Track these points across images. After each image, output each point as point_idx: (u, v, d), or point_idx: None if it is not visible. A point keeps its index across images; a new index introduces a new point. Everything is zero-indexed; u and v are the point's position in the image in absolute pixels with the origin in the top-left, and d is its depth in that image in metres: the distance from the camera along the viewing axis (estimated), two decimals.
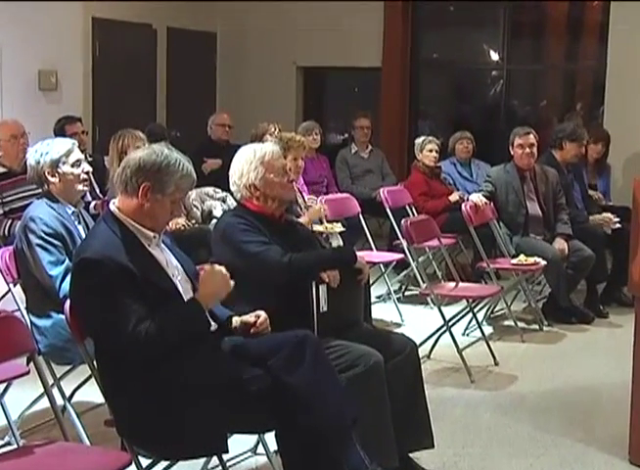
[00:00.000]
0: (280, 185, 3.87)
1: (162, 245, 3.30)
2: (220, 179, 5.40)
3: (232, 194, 3.99)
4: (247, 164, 3.86)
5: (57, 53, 8.85)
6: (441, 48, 10.94)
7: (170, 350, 3.04)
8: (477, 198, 6.54)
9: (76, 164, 4.23)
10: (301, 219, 5.45)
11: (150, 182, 3.14)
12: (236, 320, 3.39)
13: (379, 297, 7.07)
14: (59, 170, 4.17)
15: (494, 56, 10.66)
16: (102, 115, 9.16)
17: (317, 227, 5.73)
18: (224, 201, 6.43)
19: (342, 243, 5.81)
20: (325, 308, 3.57)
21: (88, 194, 5.51)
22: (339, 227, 5.81)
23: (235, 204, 4.09)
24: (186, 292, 3.25)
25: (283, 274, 3.63)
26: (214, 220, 5.92)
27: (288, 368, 3.11)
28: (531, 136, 6.64)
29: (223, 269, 3.20)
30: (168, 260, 3.27)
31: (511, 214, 6.64)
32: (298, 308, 3.58)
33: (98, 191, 6.52)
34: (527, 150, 6.60)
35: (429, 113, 11.21)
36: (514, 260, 6.29)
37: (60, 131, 7.14)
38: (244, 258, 3.67)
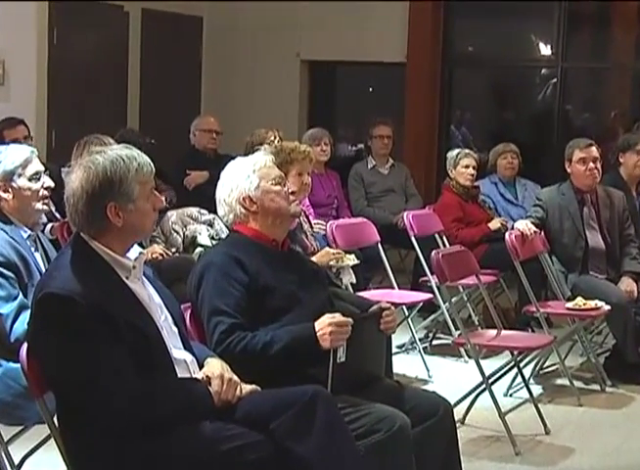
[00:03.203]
0: (280, 195, 3.95)
1: (143, 277, 3.34)
2: (207, 196, 5.44)
3: (222, 220, 4.04)
4: (236, 176, 3.95)
5: (4, 39, 8.92)
6: (480, 40, 11.02)
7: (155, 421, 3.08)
8: (523, 226, 6.56)
9: (35, 177, 4.29)
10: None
11: (112, 201, 3.16)
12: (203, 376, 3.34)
13: (401, 346, 7.08)
14: (13, 185, 4.22)
15: (546, 50, 10.74)
16: (59, 115, 9.22)
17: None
18: (211, 225, 6.45)
19: (354, 279, 5.83)
20: (343, 358, 3.59)
21: (43, 214, 5.54)
22: (352, 260, 5.82)
23: (224, 228, 4.13)
24: (170, 335, 3.29)
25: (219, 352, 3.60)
26: (199, 249, 5.96)
27: (294, 433, 3.14)
28: (594, 148, 6.66)
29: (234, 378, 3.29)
30: (150, 296, 3.31)
31: (566, 247, 6.66)
32: (310, 357, 3.60)
33: (54, 210, 6.52)
34: (592, 165, 6.59)
35: (464, 119, 11.28)
36: (569, 304, 6.28)
37: None
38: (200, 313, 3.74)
